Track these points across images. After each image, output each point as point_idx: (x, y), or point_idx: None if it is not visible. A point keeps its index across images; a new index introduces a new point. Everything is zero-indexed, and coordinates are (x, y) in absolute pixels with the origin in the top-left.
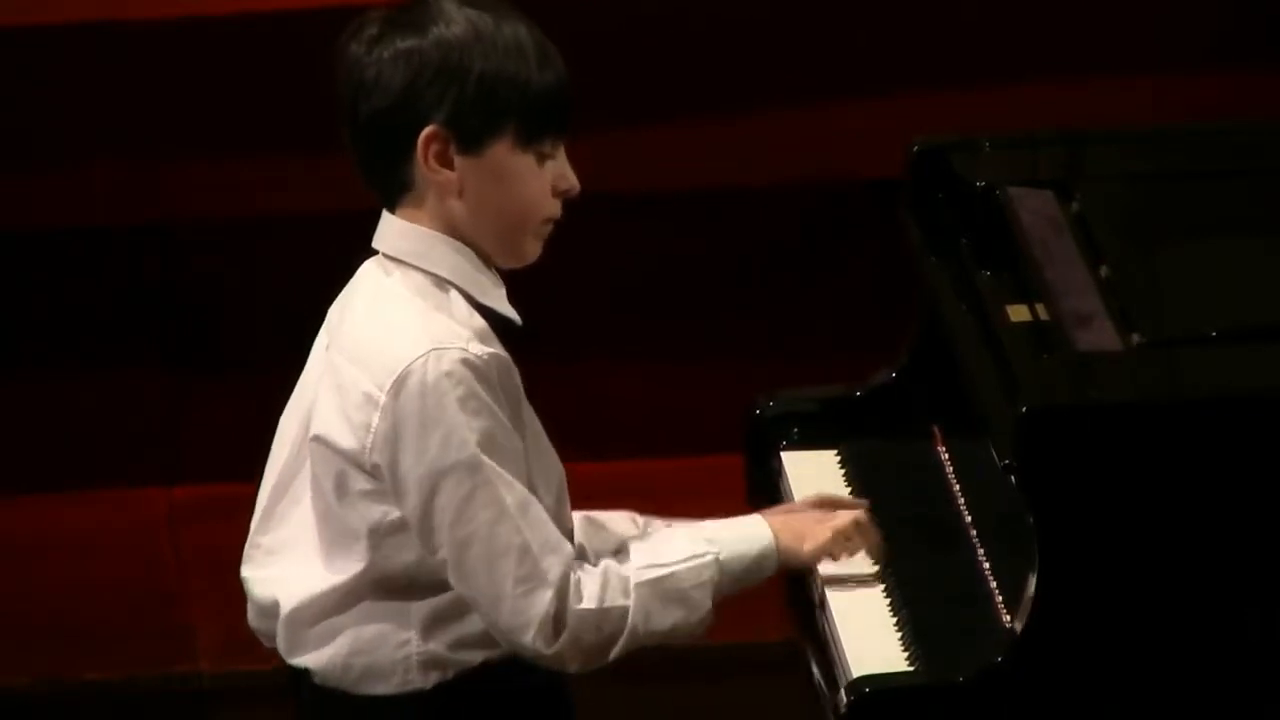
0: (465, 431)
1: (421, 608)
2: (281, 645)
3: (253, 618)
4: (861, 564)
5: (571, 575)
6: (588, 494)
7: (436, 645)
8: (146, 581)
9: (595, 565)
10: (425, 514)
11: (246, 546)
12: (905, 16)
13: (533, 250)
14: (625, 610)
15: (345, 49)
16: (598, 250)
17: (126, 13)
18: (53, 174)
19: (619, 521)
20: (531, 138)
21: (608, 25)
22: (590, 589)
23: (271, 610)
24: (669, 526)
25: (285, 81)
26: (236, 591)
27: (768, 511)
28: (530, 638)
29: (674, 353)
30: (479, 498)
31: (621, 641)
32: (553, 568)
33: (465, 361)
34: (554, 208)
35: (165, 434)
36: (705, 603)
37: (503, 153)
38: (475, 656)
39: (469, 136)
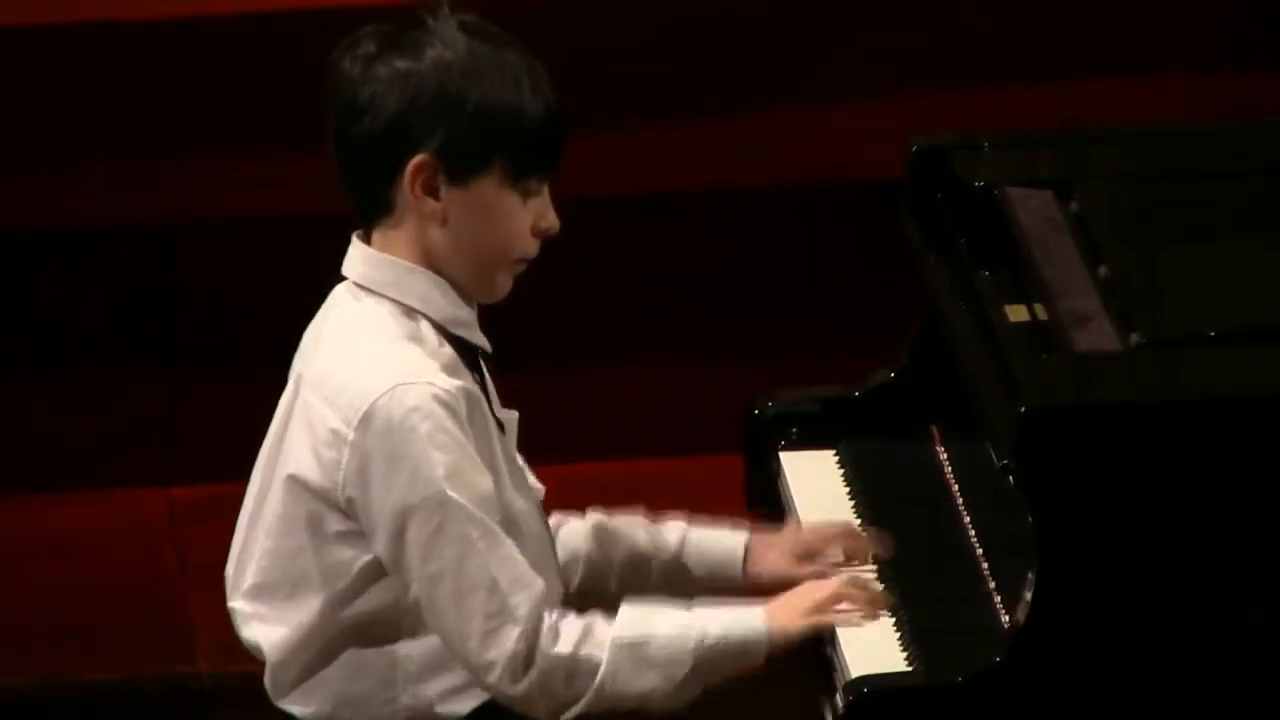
0: (431, 467)
1: (408, 661)
2: (269, 689)
3: (241, 638)
4: (861, 570)
5: (545, 616)
6: (588, 494)
7: (423, 700)
8: (146, 581)
9: (604, 580)
10: (395, 551)
11: (229, 572)
12: (905, 16)
13: (503, 287)
14: (598, 664)
15: (337, 65)
16: (597, 250)
17: (126, 13)
18: (53, 174)
19: (631, 527)
20: (519, 175)
21: (607, 26)
22: (568, 635)
23: (258, 652)
24: (684, 531)
25: (285, 81)
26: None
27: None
28: (496, 675)
29: (674, 353)
30: (446, 533)
31: (589, 695)
32: (521, 605)
33: (432, 396)
34: (531, 247)
35: (165, 434)
36: (681, 676)
37: (489, 187)
38: (463, 706)
39: (458, 168)
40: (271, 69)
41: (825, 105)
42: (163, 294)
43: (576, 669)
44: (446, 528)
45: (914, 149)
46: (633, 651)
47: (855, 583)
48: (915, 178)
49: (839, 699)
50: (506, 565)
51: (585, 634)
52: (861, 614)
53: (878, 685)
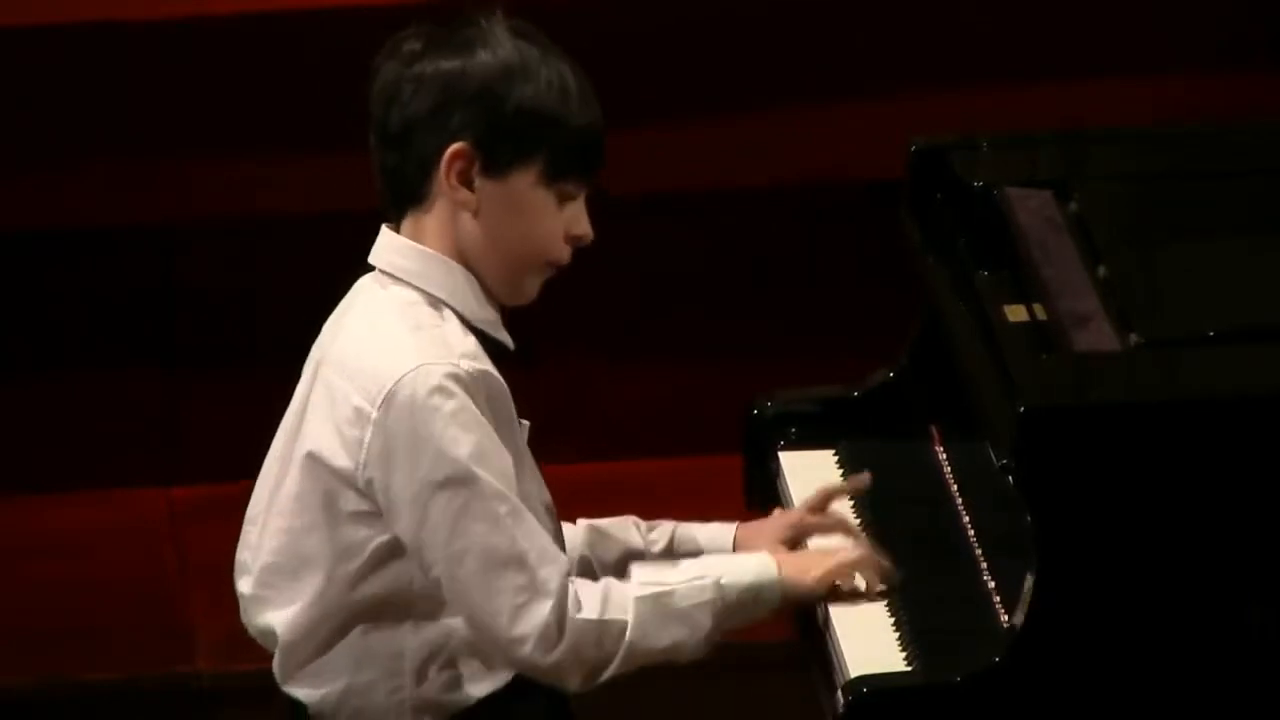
0: (456, 445)
1: (417, 651)
2: (277, 672)
3: (249, 628)
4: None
5: (569, 586)
6: (588, 494)
7: (430, 689)
8: (146, 581)
9: (597, 580)
10: (418, 530)
11: (244, 558)
12: (905, 16)
13: (531, 290)
14: (624, 625)
15: (383, 63)
16: (597, 250)
17: (126, 13)
18: (53, 174)
19: (623, 528)
20: (556, 176)
21: (607, 26)
22: (591, 601)
23: (268, 635)
24: (674, 527)
25: (285, 81)
26: (236, 592)
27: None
28: (529, 649)
29: (674, 353)
30: (473, 510)
31: (620, 656)
32: (551, 577)
33: (454, 376)
34: (563, 252)
35: (165, 434)
36: (705, 622)
37: (525, 184)
38: (470, 696)
39: (495, 160)
40: (271, 69)
41: (825, 105)
42: (163, 294)
43: (605, 632)
44: (473, 505)
45: (914, 149)
46: (656, 605)
47: (865, 560)
48: (915, 178)
49: (838, 698)
50: (534, 539)
51: (606, 596)
52: (870, 587)
53: (877, 685)
